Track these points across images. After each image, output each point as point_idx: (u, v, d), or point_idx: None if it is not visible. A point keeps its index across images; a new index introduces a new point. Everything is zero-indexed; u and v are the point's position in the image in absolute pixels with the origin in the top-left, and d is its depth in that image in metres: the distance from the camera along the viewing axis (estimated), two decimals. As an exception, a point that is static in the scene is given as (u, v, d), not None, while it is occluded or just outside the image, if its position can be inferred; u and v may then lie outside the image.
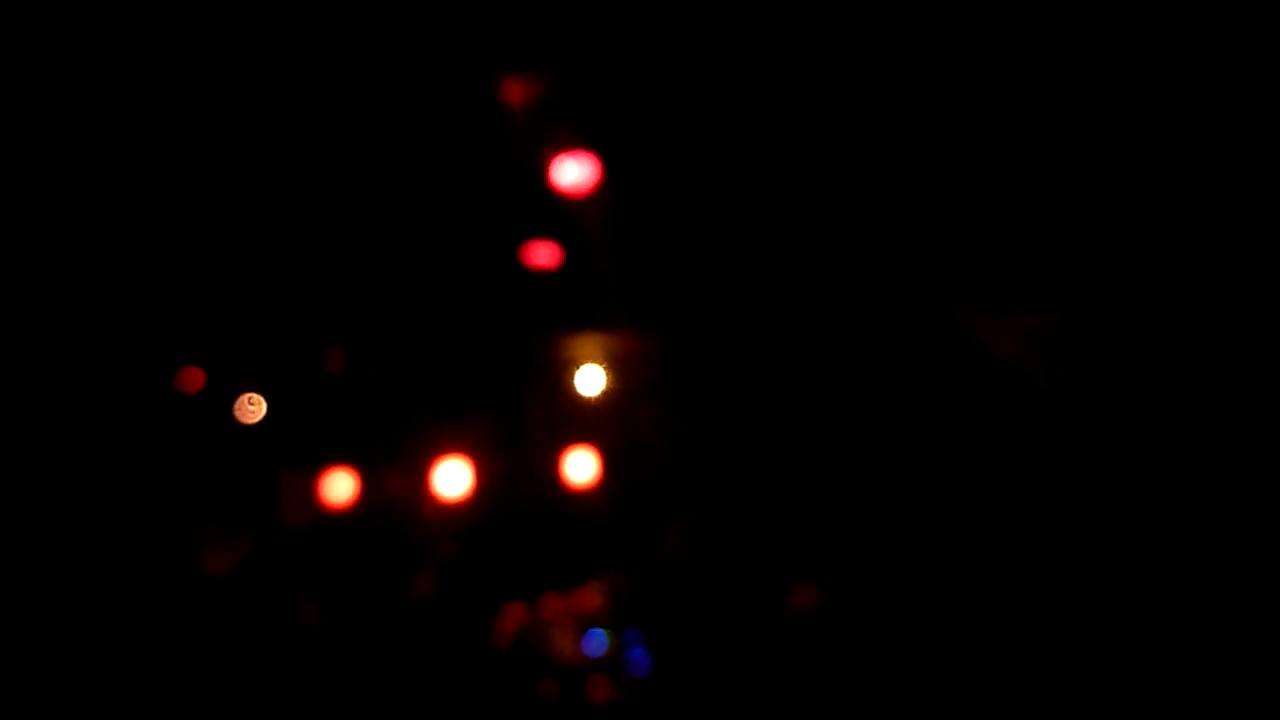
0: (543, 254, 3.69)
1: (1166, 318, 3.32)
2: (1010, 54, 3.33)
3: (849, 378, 3.60)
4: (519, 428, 3.83)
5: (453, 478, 3.79)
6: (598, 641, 3.56)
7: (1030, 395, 3.43)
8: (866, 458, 3.59)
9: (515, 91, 3.45)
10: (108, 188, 3.58)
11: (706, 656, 3.52)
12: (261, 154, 3.61)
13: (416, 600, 3.70)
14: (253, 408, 3.75)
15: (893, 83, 3.36)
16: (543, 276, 3.70)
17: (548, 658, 3.55)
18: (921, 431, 3.55)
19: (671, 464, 3.76)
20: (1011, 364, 3.45)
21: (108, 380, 3.66)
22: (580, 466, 3.81)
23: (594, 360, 3.77)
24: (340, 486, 3.78)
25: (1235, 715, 3.02)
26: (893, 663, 3.38)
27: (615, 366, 3.77)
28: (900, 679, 3.36)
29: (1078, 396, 3.38)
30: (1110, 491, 3.30)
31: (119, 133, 3.52)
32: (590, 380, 3.77)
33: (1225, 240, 3.25)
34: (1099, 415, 3.35)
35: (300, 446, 3.78)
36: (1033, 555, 3.35)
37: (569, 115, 3.49)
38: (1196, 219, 3.28)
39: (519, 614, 3.62)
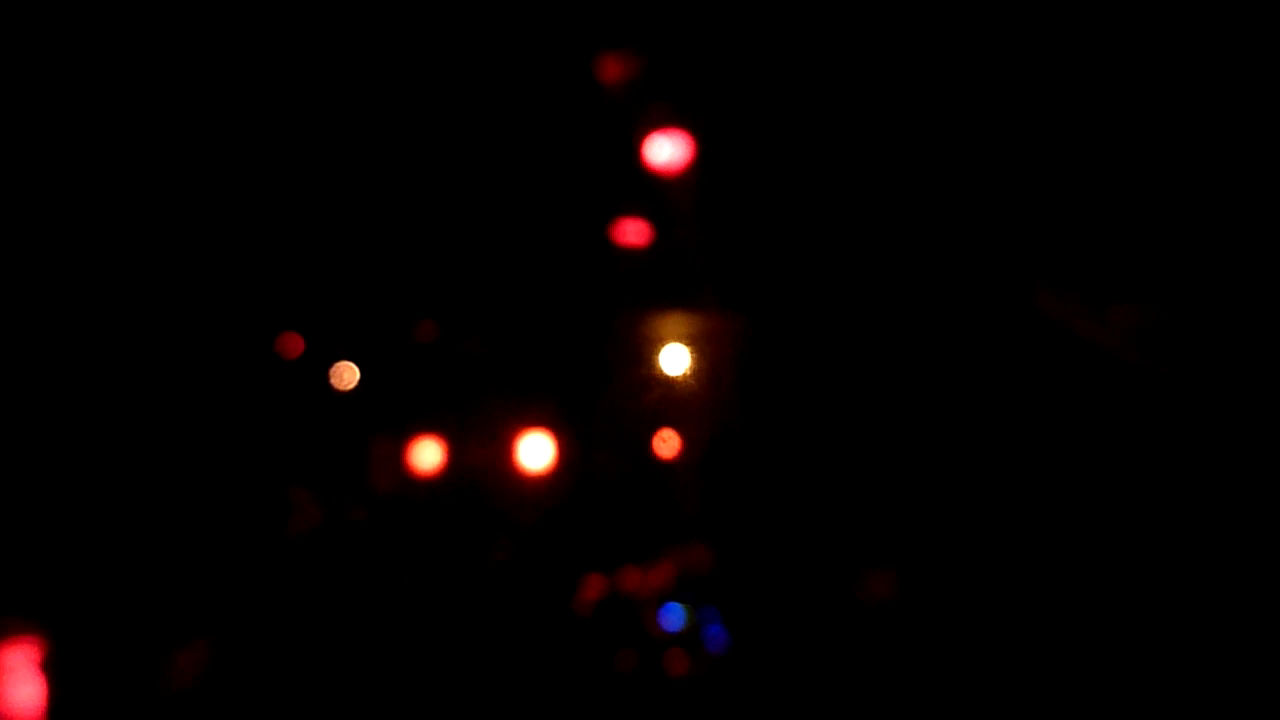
0: (633, 231, 3.73)
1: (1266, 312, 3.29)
2: (1105, 48, 3.33)
3: (939, 363, 3.60)
4: (603, 404, 3.87)
5: (536, 451, 3.84)
6: (676, 616, 3.59)
7: (1132, 389, 3.41)
8: (954, 443, 3.59)
9: (611, 68, 3.50)
10: (211, 159, 3.68)
11: (784, 634, 3.54)
12: (360, 128, 3.69)
13: (497, 568, 3.76)
14: (346, 376, 3.84)
15: (992, 71, 3.36)
16: (632, 254, 3.74)
17: (626, 630, 3.59)
18: (1014, 421, 3.54)
19: (754, 443, 3.78)
20: (1113, 358, 3.44)
21: (210, 345, 3.76)
22: (662, 443, 3.85)
23: (680, 339, 3.81)
24: (428, 455, 3.85)
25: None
26: (969, 646, 3.37)
27: (701, 345, 3.80)
28: (978, 660, 3.35)
29: (1182, 392, 3.36)
30: (1218, 489, 3.27)
31: (227, 106, 3.62)
32: (675, 359, 3.81)
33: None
34: (1204, 410, 3.33)
35: (391, 415, 3.86)
36: (1136, 548, 3.34)
37: (664, 93, 3.53)
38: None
39: (598, 586, 3.66)
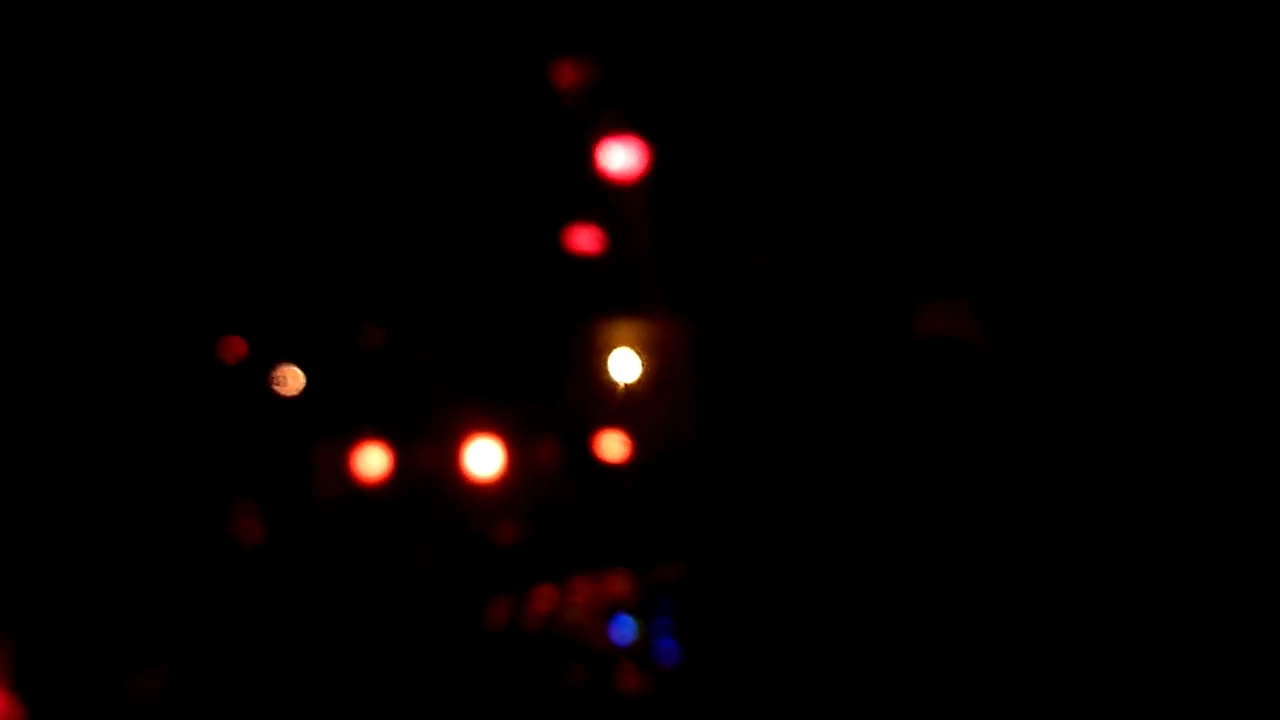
0: (586, 238, 3.68)
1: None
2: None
3: (890, 373, 3.60)
4: (552, 411, 3.83)
5: (484, 458, 3.79)
6: (626, 628, 3.57)
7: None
8: (903, 455, 3.58)
9: (565, 74, 3.45)
10: (150, 155, 3.59)
11: (736, 648, 3.52)
12: (308, 130, 3.61)
13: (440, 576, 3.71)
14: (290, 380, 3.76)
15: (951, 82, 3.35)
16: (584, 261, 3.70)
17: (575, 643, 3.56)
18: (965, 428, 3.54)
19: (705, 454, 3.76)
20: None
21: (148, 348, 3.67)
22: (612, 452, 3.81)
23: (631, 346, 3.77)
24: (373, 461, 3.78)
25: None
26: (923, 660, 3.38)
27: (651, 353, 3.77)
28: (928, 677, 3.36)
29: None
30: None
31: (170, 102, 3.53)
32: (625, 366, 3.78)
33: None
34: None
35: (335, 420, 3.79)
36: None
37: (619, 100, 3.48)
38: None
39: (547, 597, 3.63)
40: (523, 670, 3.54)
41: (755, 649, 3.49)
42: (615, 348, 3.78)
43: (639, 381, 3.78)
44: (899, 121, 3.46)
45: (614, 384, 3.77)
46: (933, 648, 3.36)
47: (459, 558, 3.74)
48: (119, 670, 3.44)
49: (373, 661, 3.55)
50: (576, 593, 3.62)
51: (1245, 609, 3.16)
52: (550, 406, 3.82)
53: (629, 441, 3.81)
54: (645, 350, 3.77)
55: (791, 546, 3.61)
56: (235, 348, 3.75)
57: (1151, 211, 3.37)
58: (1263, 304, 3.28)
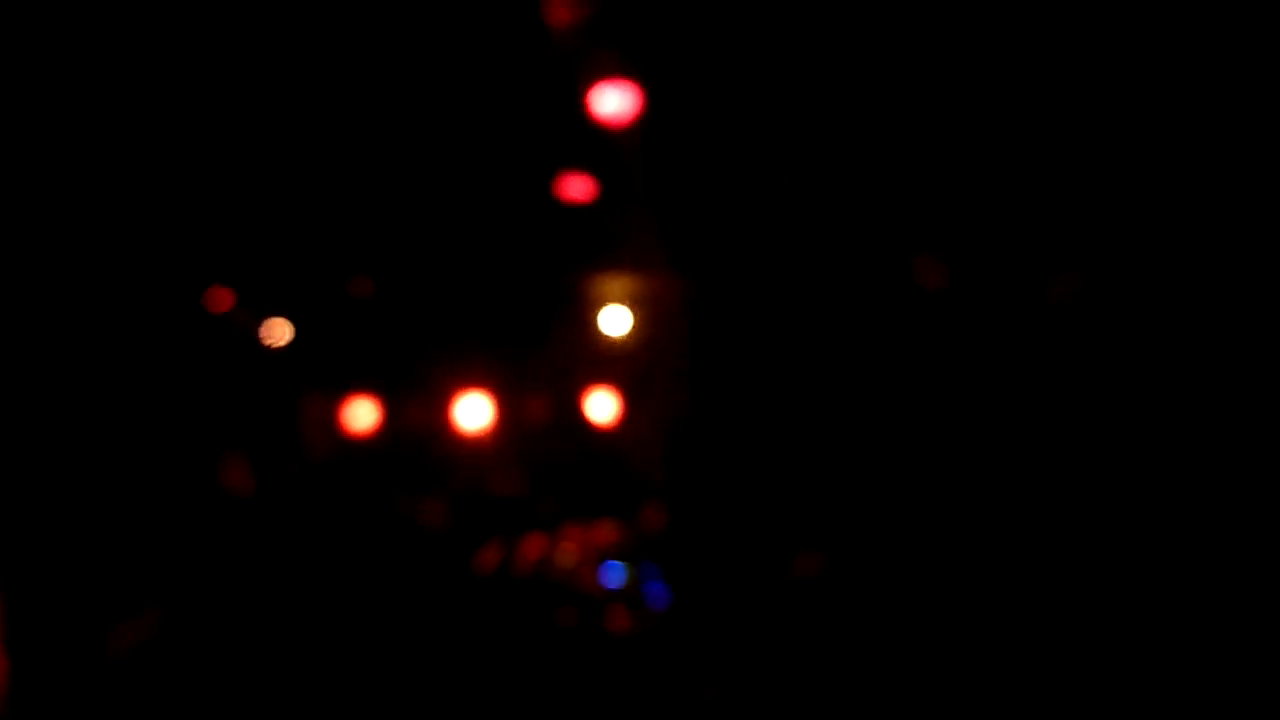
0: (577, 187, 3.66)
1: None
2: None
3: (880, 327, 3.59)
4: (542, 364, 3.81)
5: (474, 411, 3.77)
6: (616, 573, 3.54)
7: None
8: (891, 409, 3.57)
9: (558, 14, 3.43)
10: (142, 107, 3.58)
11: (723, 593, 3.50)
12: (296, 78, 3.60)
13: (432, 529, 3.68)
14: (279, 332, 3.74)
15: (949, 43, 3.34)
16: (576, 210, 3.68)
17: (566, 588, 3.53)
18: (949, 386, 3.53)
19: (694, 405, 3.73)
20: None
21: (136, 299, 3.65)
22: (602, 405, 3.79)
23: (622, 300, 3.75)
24: (363, 414, 3.75)
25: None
26: (904, 601, 3.36)
27: (642, 307, 3.75)
28: (909, 617, 3.34)
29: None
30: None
31: (160, 57, 3.52)
32: (616, 320, 3.76)
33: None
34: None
35: (324, 372, 3.76)
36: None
37: (611, 41, 3.47)
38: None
39: (538, 545, 3.60)
40: (516, 613, 3.51)
41: (740, 592, 3.47)
42: (606, 301, 3.76)
43: (630, 336, 3.76)
44: (894, 75, 3.45)
45: (605, 338, 3.75)
46: (913, 592, 3.34)
47: (450, 509, 3.71)
48: (107, 618, 3.40)
49: (363, 609, 3.51)
50: (567, 539, 3.59)
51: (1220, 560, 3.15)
52: (540, 360, 3.80)
53: (619, 395, 3.79)
54: (638, 304, 3.76)
55: (777, 497, 3.58)
56: (223, 299, 3.73)
57: (1117, 181, 3.38)
58: (1228, 269, 3.28)
